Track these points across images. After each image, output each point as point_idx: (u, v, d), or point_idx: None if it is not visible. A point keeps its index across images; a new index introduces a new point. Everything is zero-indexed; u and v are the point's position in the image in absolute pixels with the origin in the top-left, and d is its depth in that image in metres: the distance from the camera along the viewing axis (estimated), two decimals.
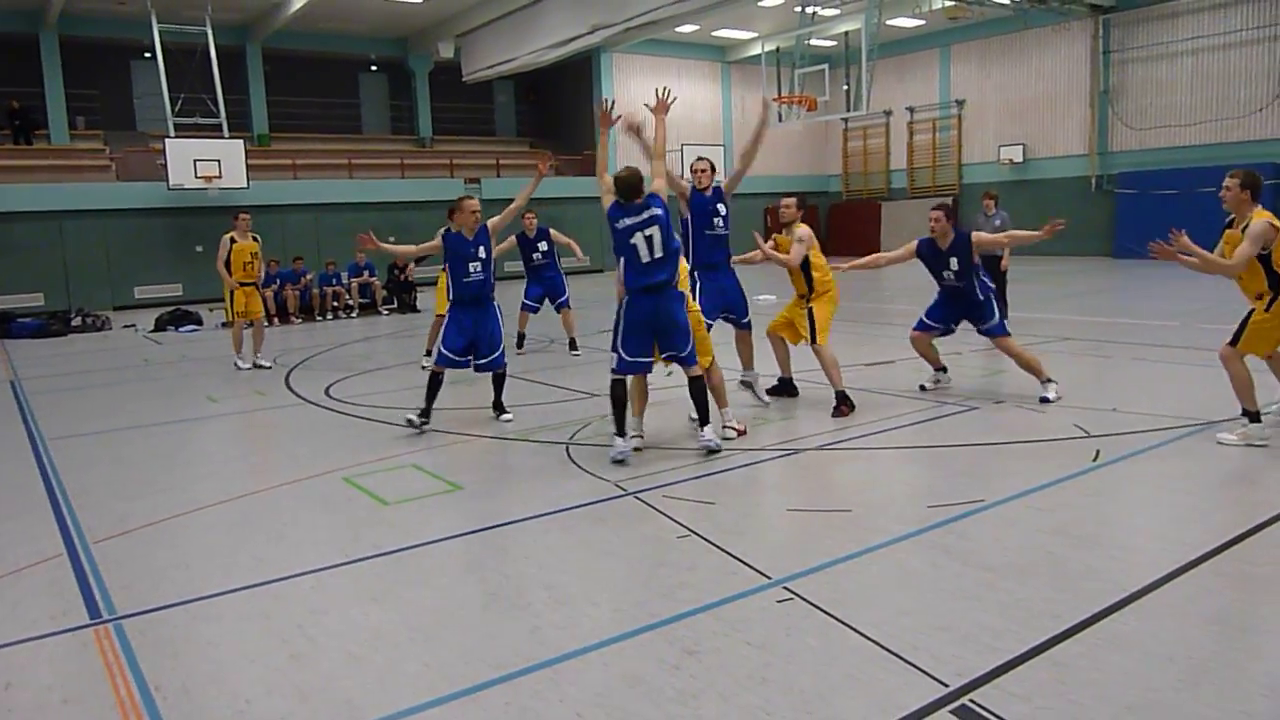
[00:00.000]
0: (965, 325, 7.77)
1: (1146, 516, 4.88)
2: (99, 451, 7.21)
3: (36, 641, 3.73)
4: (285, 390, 9.64)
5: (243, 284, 11.15)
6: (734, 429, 6.54)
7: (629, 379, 6.19)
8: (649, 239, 5.94)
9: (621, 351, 6.05)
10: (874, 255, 8.52)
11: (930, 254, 7.56)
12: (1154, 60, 24.21)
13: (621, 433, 6.09)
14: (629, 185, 6.03)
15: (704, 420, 6.20)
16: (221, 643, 3.66)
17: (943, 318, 7.79)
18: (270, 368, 11.18)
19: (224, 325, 14.80)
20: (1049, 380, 7.43)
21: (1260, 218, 5.75)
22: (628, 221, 5.99)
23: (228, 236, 11.27)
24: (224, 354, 12.29)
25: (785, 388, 7.92)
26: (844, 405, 7.12)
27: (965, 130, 28.97)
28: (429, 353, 10.70)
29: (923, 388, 7.95)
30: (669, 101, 6.73)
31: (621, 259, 6.04)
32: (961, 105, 28.91)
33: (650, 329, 6.05)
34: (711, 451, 6.10)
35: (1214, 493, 5.10)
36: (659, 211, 6.02)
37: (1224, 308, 13.08)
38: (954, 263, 7.40)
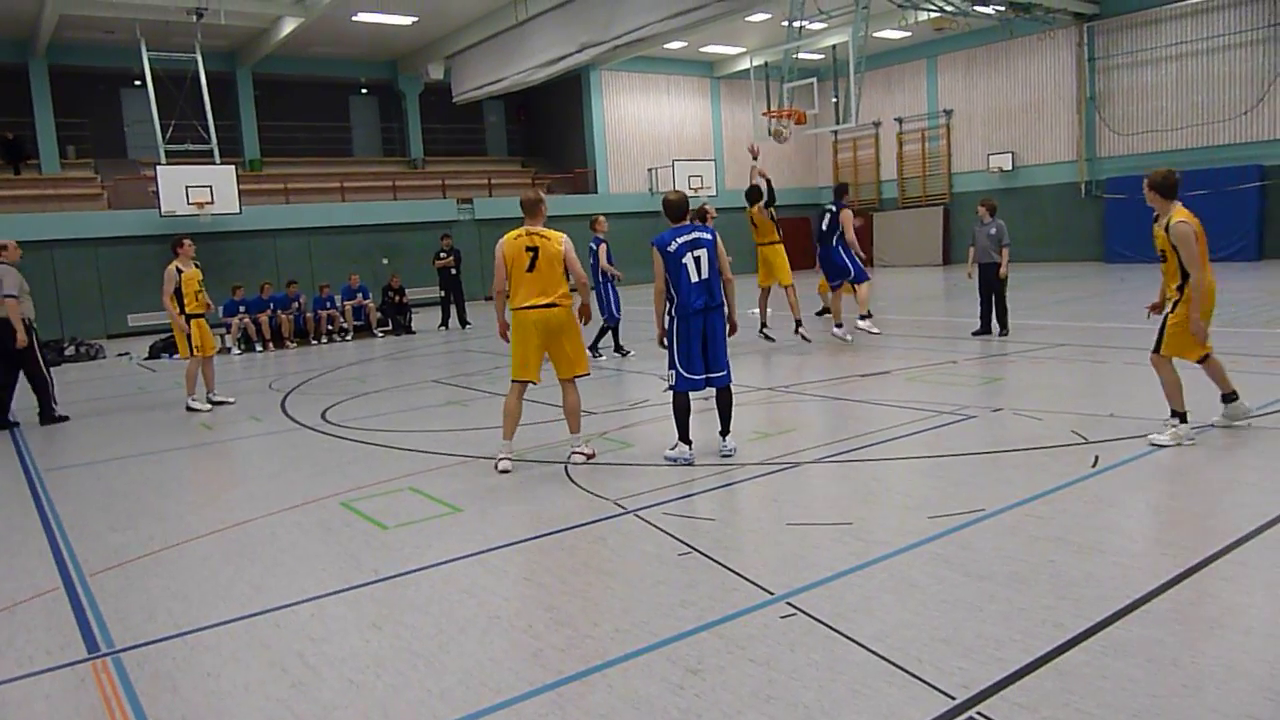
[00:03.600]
0: (963, 344, 7.76)
1: (1146, 522, 4.88)
2: (94, 482, 7.17)
3: (33, 678, 3.69)
4: (281, 415, 9.61)
5: (193, 316, 10.24)
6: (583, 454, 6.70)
7: (568, 395, 6.62)
8: (698, 260, 6.28)
9: (680, 369, 6.38)
10: None
11: None
12: (1138, 66, 24.41)
13: (685, 439, 6.43)
14: (677, 208, 6.46)
15: (725, 430, 6.59)
16: (221, 673, 3.63)
17: None
18: (233, 403, 10.57)
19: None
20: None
21: (1179, 216, 6.20)
22: (680, 241, 6.31)
23: (173, 267, 10.16)
24: (219, 380, 12.21)
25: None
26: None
27: (954, 139, 29.15)
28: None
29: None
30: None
31: (669, 282, 6.36)
32: (950, 115, 29.10)
33: (702, 346, 6.38)
34: (724, 456, 6.45)
35: (1213, 497, 5.10)
36: (706, 235, 6.38)
37: (1214, 310, 13.16)
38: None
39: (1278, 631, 3.49)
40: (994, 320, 11.83)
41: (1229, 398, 6.39)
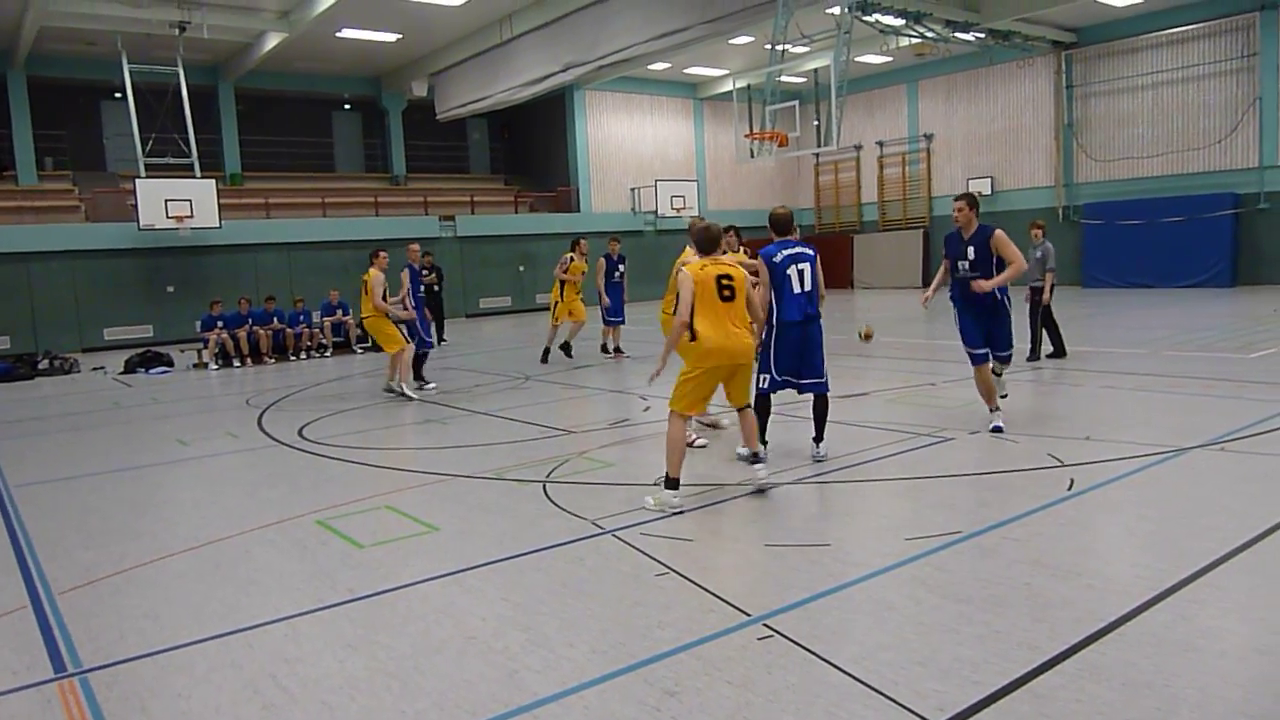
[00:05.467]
0: (942, 366, 7.81)
1: (1121, 545, 4.91)
2: (65, 499, 7.07)
3: None
4: (258, 432, 9.53)
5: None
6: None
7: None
8: (801, 273, 6.60)
9: (774, 373, 6.66)
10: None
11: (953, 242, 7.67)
12: (1115, 94, 24.79)
13: (763, 440, 6.53)
14: (785, 221, 6.82)
15: (819, 437, 6.87)
16: (192, 695, 3.58)
17: (973, 333, 7.54)
18: (420, 395, 11.15)
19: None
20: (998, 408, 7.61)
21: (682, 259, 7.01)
22: (785, 253, 6.63)
23: (378, 272, 11.25)
24: (195, 395, 12.15)
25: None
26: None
27: (934, 163, 29.44)
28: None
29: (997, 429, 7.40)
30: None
31: (772, 292, 6.65)
32: (930, 139, 29.40)
33: (799, 354, 6.65)
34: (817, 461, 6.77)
35: (1187, 520, 5.14)
36: (809, 250, 6.74)
37: (1188, 335, 13.34)
38: (970, 251, 7.42)
39: (1252, 655, 3.51)
40: (1040, 344, 11.38)
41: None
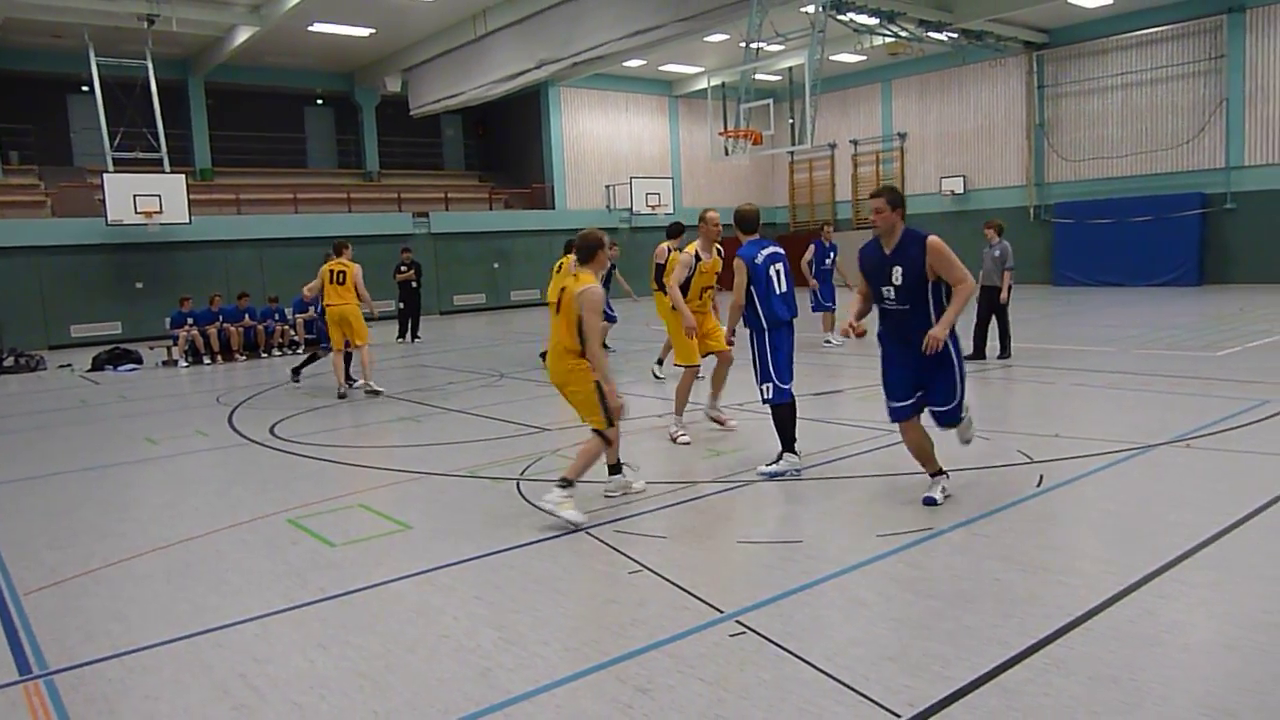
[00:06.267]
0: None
1: (1089, 541, 4.98)
2: (30, 498, 6.97)
3: None
4: (229, 430, 9.43)
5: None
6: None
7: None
8: (778, 273, 6.41)
9: (778, 381, 6.35)
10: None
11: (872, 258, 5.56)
12: (1086, 95, 25.08)
13: (792, 449, 6.37)
14: (753, 218, 6.58)
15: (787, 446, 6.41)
16: (160, 696, 3.54)
17: (900, 382, 5.53)
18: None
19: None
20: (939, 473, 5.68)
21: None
22: (765, 253, 6.40)
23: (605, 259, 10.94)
24: (165, 393, 11.97)
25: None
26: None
27: (908, 162, 29.64)
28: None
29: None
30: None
31: (755, 293, 6.31)
32: (904, 138, 29.60)
33: (791, 356, 6.44)
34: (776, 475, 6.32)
35: (1154, 516, 5.22)
36: (781, 250, 6.52)
37: (1156, 333, 13.54)
38: (897, 274, 5.31)
39: (1216, 649, 3.57)
40: (987, 343, 11.39)
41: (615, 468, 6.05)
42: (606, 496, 5.97)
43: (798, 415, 6.46)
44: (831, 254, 14.42)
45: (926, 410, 5.55)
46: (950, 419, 5.56)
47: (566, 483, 5.43)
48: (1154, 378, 9.60)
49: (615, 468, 6.02)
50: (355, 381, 11.71)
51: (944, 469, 5.64)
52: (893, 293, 5.35)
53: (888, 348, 5.62)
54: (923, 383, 5.46)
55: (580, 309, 5.42)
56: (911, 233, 5.32)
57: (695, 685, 3.37)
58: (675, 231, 10.49)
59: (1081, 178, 25.30)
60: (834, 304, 14.27)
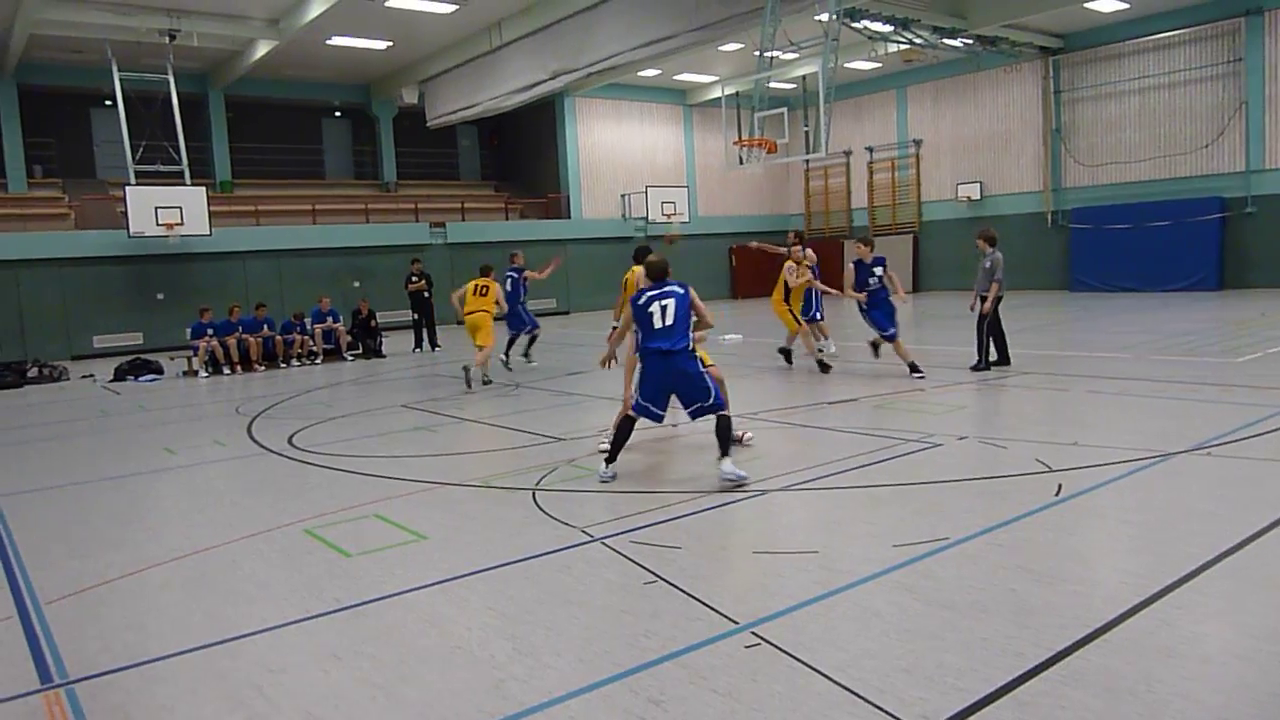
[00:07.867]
0: (929, 371, 7.70)
1: (1106, 550, 4.93)
2: (53, 508, 7.04)
3: None
4: (247, 440, 9.50)
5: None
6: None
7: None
8: (664, 309, 6.70)
9: (639, 396, 6.79)
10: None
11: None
12: (1102, 99, 24.94)
13: (612, 459, 6.79)
14: (658, 269, 6.99)
15: (725, 453, 6.53)
16: (176, 706, 3.57)
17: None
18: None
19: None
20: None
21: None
22: (649, 294, 6.80)
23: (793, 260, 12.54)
24: (185, 403, 12.07)
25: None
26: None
27: (923, 169, 29.56)
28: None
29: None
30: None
31: (637, 327, 6.82)
32: (919, 145, 29.52)
33: (664, 385, 6.73)
34: (735, 484, 6.39)
35: (1172, 525, 5.17)
36: (679, 290, 6.84)
37: (1173, 340, 13.41)
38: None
39: (1233, 661, 3.53)
40: (988, 354, 11.29)
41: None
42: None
43: (633, 434, 6.93)
44: (878, 267, 12.06)
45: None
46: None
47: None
48: (1172, 384, 9.52)
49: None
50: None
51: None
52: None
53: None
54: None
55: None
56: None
57: (708, 697, 3.36)
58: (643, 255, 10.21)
59: (1099, 183, 25.14)
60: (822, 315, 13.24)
